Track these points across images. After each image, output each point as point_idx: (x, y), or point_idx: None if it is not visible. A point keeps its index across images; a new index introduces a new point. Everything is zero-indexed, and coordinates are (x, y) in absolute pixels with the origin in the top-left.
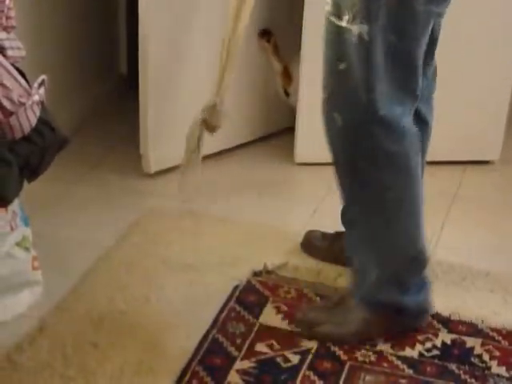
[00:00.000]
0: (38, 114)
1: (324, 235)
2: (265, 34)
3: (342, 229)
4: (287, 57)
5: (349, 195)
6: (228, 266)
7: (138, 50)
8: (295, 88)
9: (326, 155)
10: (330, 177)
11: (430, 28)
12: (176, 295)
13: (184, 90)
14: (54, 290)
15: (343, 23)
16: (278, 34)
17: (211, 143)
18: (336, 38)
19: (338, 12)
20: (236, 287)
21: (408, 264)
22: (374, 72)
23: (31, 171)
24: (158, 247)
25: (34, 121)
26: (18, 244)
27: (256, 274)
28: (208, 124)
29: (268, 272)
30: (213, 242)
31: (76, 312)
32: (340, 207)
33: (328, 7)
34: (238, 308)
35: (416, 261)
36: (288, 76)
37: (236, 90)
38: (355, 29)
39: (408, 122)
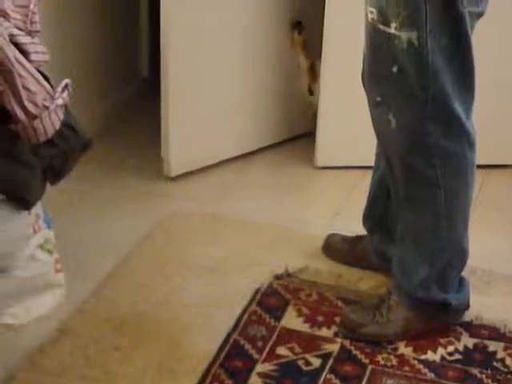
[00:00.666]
0: (61, 117)
1: (345, 238)
2: (297, 25)
3: (363, 232)
4: (315, 53)
5: (402, 194)
6: (249, 269)
7: (159, 54)
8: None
9: (346, 159)
10: (350, 180)
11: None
12: (197, 298)
13: (205, 93)
14: (76, 293)
15: (391, 30)
16: (308, 28)
17: (232, 146)
18: (385, 43)
19: (384, 20)
20: (257, 290)
21: (454, 261)
22: (430, 74)
23: (54, 174)
24: (179, 250)
25: (57, 124)
26: (40, 246)
27: (277, 277)
28: None
29: (289, 275)
30: (234, 244)
31: (97, 314)
32: (361, 210)
33: (373, 15)
34: (259, 311)
35: (461, 258)
36: (314, 73)
37: (258, 93)
38: (404, 35)
39: (467, 120)
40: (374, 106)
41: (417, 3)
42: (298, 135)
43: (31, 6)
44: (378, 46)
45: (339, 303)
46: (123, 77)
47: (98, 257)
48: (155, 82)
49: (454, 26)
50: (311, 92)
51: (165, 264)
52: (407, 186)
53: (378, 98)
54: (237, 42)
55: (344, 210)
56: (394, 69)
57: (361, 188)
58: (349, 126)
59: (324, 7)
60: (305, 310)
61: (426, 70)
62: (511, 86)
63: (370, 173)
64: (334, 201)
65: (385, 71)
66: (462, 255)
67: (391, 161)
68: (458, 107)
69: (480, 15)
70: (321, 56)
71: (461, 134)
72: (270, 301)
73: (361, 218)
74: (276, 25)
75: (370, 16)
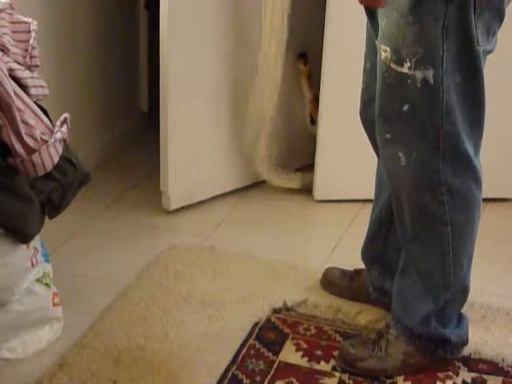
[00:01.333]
0: (60, 151)
1: (343, 272)
2: (303, 56)
3: (362, 266)
4: (318, 86)
5: (409, 232)
6: (247, 303)
7: (158, 88)
8: None
9: (344, 192)
10: (348, 214)
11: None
12: (195, 332)
13: (203, 127)
14: (74, 326)
15: (404, 69)
16: (312, 59)
17: (231, 180)
18: (397, 82)
19: (398, 59)
20: (256, 324)
21: (456, 298)
22: (443, 111)
23: (53, 208)
24: (177, 283)
25: (56, 158)
26: (38, 280)
27: (276, 310)
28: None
29: (288, 309)
30: (233, 278)
31: (95, 348)
32: (361, 244)
33: (386, 54)
34: (257, 345)
35: (463, 294)
36: (317, 104)
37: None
38: (419, 74)
39: (475, 158)
40: (383, 142)
41: (435, 41)
42: (297, 168)
43: (31, 41)
44: (389, 85)
45: (338, 337)
46: (122, 111)
47: (96, 290)
48: (154, 116)
49: (470, 64)
50: (313, 123)
51: (163, 298)
52: (415, 223)
53: (388, 136)
54: (236, 76)
55: (343, 243)
56: (405, 107)
57: (359, 221)
58: (347, 159)
59: None
60: (303, 344)
61: (439, 108)
62: (508, 120)
63: (368, 206)
64: (333, 234)
65: (395, 109)
66: (464, 292)
67: (399, 197)
68: (468, 145)
69: (490, 53)
70: None
71: (469, 172)
72: (268, 335)
73: (360, 251)
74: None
75: (383, 54)
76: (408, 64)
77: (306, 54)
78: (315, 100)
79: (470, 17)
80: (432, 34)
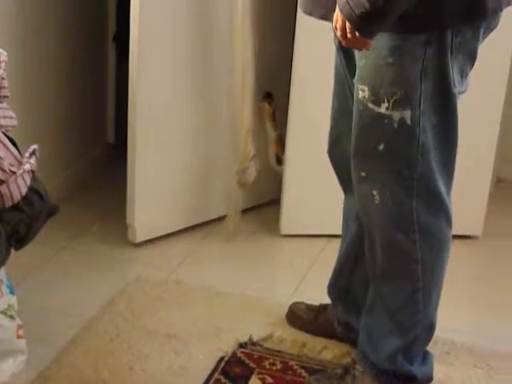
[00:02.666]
0: (28, 183)
1: (309, 307)
2: (268, 96)
3: (327, 301)
4: (283, 124)
5: (380, 269)
6: (213, 337)
7: (125, 120)
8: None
9: (311, 227)
10: (314, 249)
11: None
12: (161, 366)
13: (170, 160)
14: (38, 359)
15: (382, 110)
16: (277, 99)
17: (197, 213)
18: (374, 122)
19: (376, 99)
20: (221, 358)
21: (423, 335)
22: (419, 152)
23: (19, 239)
24: (143, 317)
25: (24, 190)
26: (2, 312)
27: (241, 345)
28: (242, 183)
29: (253, 343)
30: (198, 312)
31: (59, 381)
32: (326, 279)
33: (364, 94)
34: (223, 379)
35: (430, 331)
36: (282, 143)
37: (223, 160)
38: (396, 114)
39: (447, 197)
40: (358, 180)
41: (413, 82)
42: (263, 203)
43: (0, 72)
44: (366, 124)
45: (303, 372)
46: (89, 142)
47: (60, 322)
48: (121, 147)
49: (446, 105)
50: (280, 162)
51: (128, 331)
52: (386, 260)
53: (363, 174)
54: (203, 111)
55: (308, 278)
56: (381, 147)
57: (325, 256)
58: (314, 194)
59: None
60: (269, 379)
61: (415, 148)
62: (471, 159)
63: (334, 241)
64: (299, 269)
65: (371, 148)
66: (430, 329)
67: (372, 234)
68: (441, 185)
69: (462, 94)
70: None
71: (441, 211)
72: (234, 369)
73: (326, 286)
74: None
75: (360, 94)
76: (386, 104)
77: (271, 95)
78: (280, 140)
79: (447, 59)
80: (411, 76)
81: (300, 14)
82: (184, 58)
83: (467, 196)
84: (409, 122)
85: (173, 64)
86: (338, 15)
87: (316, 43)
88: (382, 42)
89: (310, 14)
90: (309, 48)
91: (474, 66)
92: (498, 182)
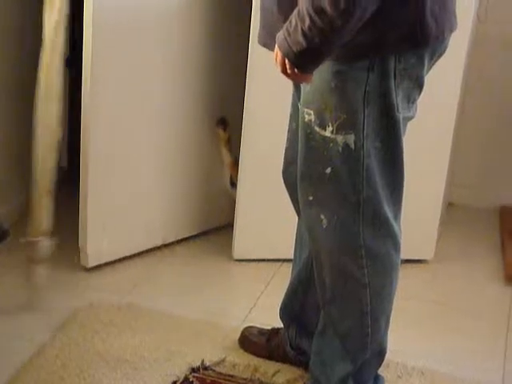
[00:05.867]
0: None
1: (261, 331)
2: (222, 122)
3: (279, 325)
4: (237, 149)
5: (329, 293)
6: (165, 362)
7: (78, 143)
8: None
9: (263, 251)
10: (267, 273)
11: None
12: None
13: (123, 185)
14: None
15: (327, 133)
16: (232, 123)
17: (150, 238)
18: (320, 145)
19: (321, 122)
20: (174, 383)
21: (373, 359)
22: (363, 176)
23: None
24: (94, 342)
25: None
26: None
27: (193, 369)
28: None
29: (205, 368)
30: (150, 336)
31: None
32: (279, 303)
33: (310, 117)
34: None
35: (380, 355)
36: (237, 168)
37: (176, 186)
38: (340, 138)
39: (394, 222)
40: (305, 204)
41: (356, 107)
42: (215, 227)
43: None
44: (313, 147)
45: None
46: None
47: (10, 349)
48: (73, 171)
49: (389, 130)
50: (234, 185)
51: (80, 356)
52: (334, 284)
53: (311, 198)
54: (157, 136)
55: (260, 302)
56: (328, 170)
57: (278, 280)
58: (266, 219)
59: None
60: None
61: (359, 172)
62: (422, 183)
63: (286, 265)
64: (251, 293)
65: (318, 172)
66: (380, 353)
67: (320, 258)
68: (388, 209)
69: (410, 119)
70: None
71: (388, 236)
72: None
73: (277, 310)
74: (199, 121)
75: (307, 117)
76: (330, 128)
77: (225, 120)
78: (235, 164)
79: (391, 84)
80: (353, 100)
81: (253, 39)
82: (139, 81)
83: (419, 220)
84: (352, 146)
85: (128, 87)
86: (277, 51)
87: (270, 65)
88: (325, 67)
89: (265, 45)
90: (263, 71)
91: (425, 91)
92: (449, 205)
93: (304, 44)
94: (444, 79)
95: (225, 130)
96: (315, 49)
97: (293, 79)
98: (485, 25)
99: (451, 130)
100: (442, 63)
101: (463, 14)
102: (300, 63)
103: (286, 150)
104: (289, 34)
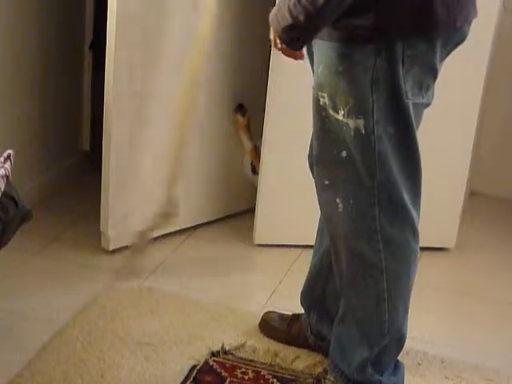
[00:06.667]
0: (2, 188)
1: (282, 317)
2: (240, 108)
3: (300, 310)
4: (258, 135)
5: (346, 279)
6: (186, 346)
7: (101, 127)
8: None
9: (284, 237)
10: (288, 258)
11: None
12: (132, 373)
13: (147, 169)
14: (9, 366)
15: (340, 117)
16: (252, 111)
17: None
18: (335, 128)
19: (334, 106)
20: (193, 367)
21: (392, 345)
22: (376, 161)
23: None
24: (115, 324)
25: None
26: None
27: (213, 354)
28: (166, 215)
29: (226, 352)
30: (171, 320)
31: None
32: (299, 289)
33: (324, 100)
34: None
35: (399, 342)
36: (258, 153)
37: (198, 170)
38: (351, 123)
39: (413, 208)
40: (321, 188)
41: (364, 92)
42: (237, 212)
43: None
44: (328, 130)
45: (275, 382)
46: (65, 149)
47: (32, 329)
48: (96, 155)
49: (399, 116)
50: (255, 172)
51: (100, 338)
52: (351, 269)
53: (326, 182)
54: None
55: (282, 288)
56: (343, 153)
57: (299, 267)
58: (288, 204)
59: (265, 89)
60: None
61: (372, 157)
62: (445, 171)
63: (307, 251)
64: (272, 279)
65: (334, 156)
66: (400, 339)
67: (337, 243)
68: (405, 195)
69: (426, 106)
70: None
71: (405, 222)
72: (205, 378)
73: (298, 296)
74: (218, 106)
75: (321, 100)
76: (342, 112)
77: (243, 106)
78: (255, 150)
79: (398, 70)
80: (361, 85)
81: None
82: (161, 66)
83: (441, 208)
84: (362, 131)
85: (150, 71)
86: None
87: None
88: (333, 49)
89: None
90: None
91: (450, 79)
92: (472, 194)
93: (290, 20)
94: (468, 69)
95: (243, 115)
96: (300, 26)
97: (285, 54)
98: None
99: (475, 117)
100: (466, 53)
101: (487, 2)
102: (287, 39)
103: (312, 134)
104: (279, 10)
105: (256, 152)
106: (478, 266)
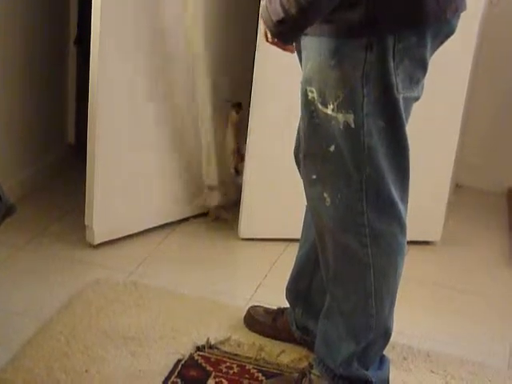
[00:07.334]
0: None
1: (267, 311)
2: (237, 106)
3: (285, 305)
4: (244, 140)
5: (332, 273)
6: (170, 340)
7: (86, 120)
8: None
9: (270, 231)
10: (273, 252)
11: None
12: (117, 368)
13: (130, 161)
14: None
15: (329, 111)
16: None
17: (156, 216)
18: (323, 122)
19: (323, 100)
20: (178, 361)
21: (378, 340)
22: (365, 155)
23: None
24: (100, 319)
25: None
26: None
27: (199, 348)
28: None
29: (210, 347)
30: (156, 314)
31: (15, 383)
32: (285, 283)
33: (313, 95)
34: (179, 383)
35: (385, 336)
36: (240, 155)
37: (184, 162)
38: (341, 117)
39: (401, 203)
40: (309, 183)
41: (354, 86)
42: (222, 206)
43: None
44: (317, 125)
45: (260, 376)
46: (49, 142)
47: (16, 324)
48: (81, 148)
49: (389, 110)
50: (238, 172)
51: (85, 333)
52: (338, 263)
53: (314, 176)
54: (164, 114)
55: (267, 282)
56: (331, 148)
57: (284, 260)
58: (273, 198)
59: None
60: (225, 383)
61: (361, 151)
62: (430, 165)
63: (293, 245)
64: (257, 272)
65: (322, 150)
66: (385, 334)
67: (323, 237)
68: (393, 189)
69: (416, 99)
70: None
71: (393, 216)
72: (190, 372)
73: (284, 290)
74: (216, 102)
75: (310, 95)
76: (331, 106)
77: (241, 104)
78: (237, 151)
79: (389, 64)
80: (352, 79)
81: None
82: (146, 59)
83: (426, 201)
84: (352, 125)
85: (134, 65)
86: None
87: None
88: (324, 44)
89: None
90: (270, 53)
91: (435, 72)
92: (457, 187)
93: (281, 14)
94: (454, 61)
95: (237, 113)
96: (292, 20)
97: (275, 46)
98: (497, 8)
99: (460, 111)
100: (452, 46)
101: None
102: (278, 33)
103: (298, 128)
104: (270, 3)
105: (238, 153)
106: (463, 260)
